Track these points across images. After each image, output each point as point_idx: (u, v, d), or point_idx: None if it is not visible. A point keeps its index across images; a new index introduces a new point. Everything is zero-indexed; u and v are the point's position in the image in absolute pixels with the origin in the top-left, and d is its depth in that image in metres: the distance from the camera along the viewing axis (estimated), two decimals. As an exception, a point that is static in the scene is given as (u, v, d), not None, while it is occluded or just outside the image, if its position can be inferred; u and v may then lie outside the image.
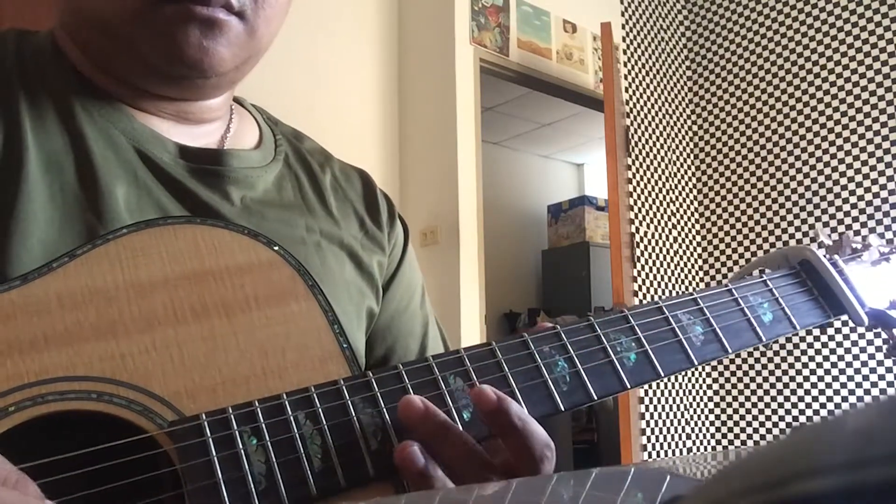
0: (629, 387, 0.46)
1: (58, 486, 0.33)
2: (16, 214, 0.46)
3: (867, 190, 3.22)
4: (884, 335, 0.58)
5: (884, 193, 3.18)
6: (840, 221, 3.27)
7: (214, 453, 0.36)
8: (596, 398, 0.45)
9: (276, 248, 0.44)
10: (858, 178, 3.24)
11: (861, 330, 3.10)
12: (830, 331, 3.20)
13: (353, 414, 0.39)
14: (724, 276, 3.61)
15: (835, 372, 3.22)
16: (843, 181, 3.27)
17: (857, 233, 3.24)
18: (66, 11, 0.57)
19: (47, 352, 0.36)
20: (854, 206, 3.24)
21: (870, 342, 3.15)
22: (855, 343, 3.18)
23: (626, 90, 3.42)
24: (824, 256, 0.58)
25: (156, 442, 0.36)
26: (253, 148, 0.62)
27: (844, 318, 0.57)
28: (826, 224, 3.30)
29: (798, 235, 3.36)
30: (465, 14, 3.24)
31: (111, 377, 0.36)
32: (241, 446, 0.36)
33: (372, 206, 0.68)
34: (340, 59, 3.07)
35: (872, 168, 3.21)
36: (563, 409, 0.44)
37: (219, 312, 0.40)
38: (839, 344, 3.21)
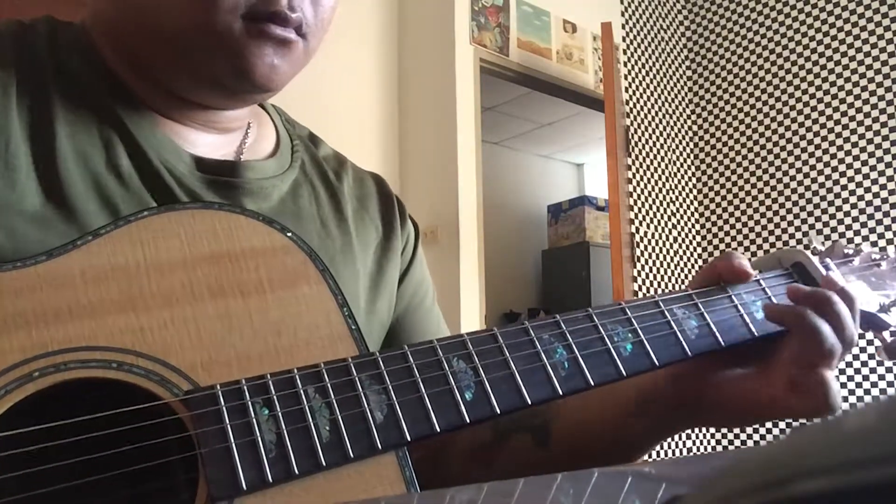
0: (625, 375, 0.48)
1: (73, 448, 0.35)
2: (70, 201, 0.48)
3: (867, 190, 3.22)
4: (876, 340, 0.60)
5: (884, 193, 3.18)
6: (840, 221, 3.27)
7: (228, 421, 0.37)
8: (593, 384, 0.47)
9: (289, 234, 0.46)
10: (858, 178, 3.24)
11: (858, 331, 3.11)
12: (830, 331, 3.19)
13: (361, 389, 0.41)
14: (724, 276, 3.60)
15: (835, 372, 3.22)
16: (843, 181, 3.28)
17: (856, 233, 3.24)
18: (115, 15, 0.56)
19: (71, 323, 0.38)
20: (854, 206, 3.24)
21: (870, 342, 3.15)
22: (855, 343, 3.18)
23: (626, 90, 3.42)
24: (817, 260, 0.60)
25: (171, 410, 0.38)
26: (269, 155, 0.62)
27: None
28: (826, 224, 3.31)
29: (798, 235, 3.36)
30: (465, 14, 3.24)
31: (131, 348, 0.38)
32: (253, 415, 0.38)
33: (388, 212, 0.68)
34: (340, 60, 3.07)
35: (872, 168, 3.21)
36: (561, 393, 0.45)
37: (234, 292, 0.42)
38: (839, 344, 3.21)
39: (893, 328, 0.60)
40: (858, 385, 3.17)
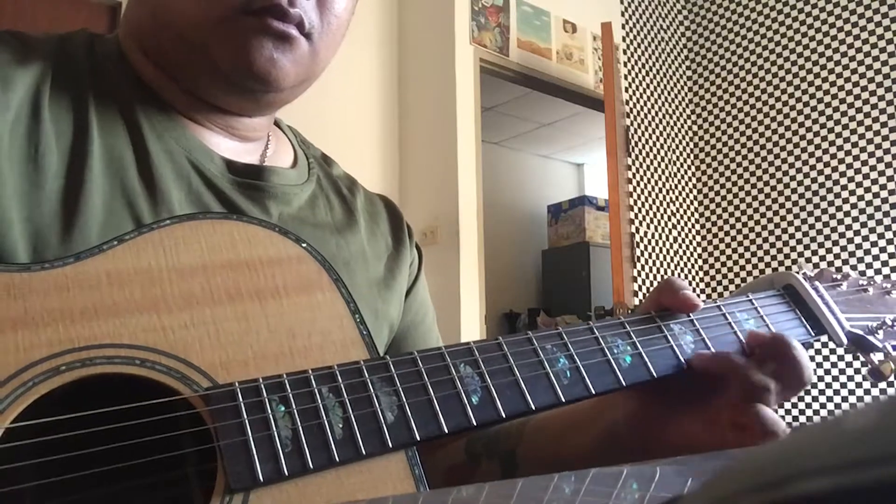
0: (625, 384, 0.50)
1: (95, 439, 0.36)
2: (81, 206, 0.49)
3: (867, 190, 3.22)
4: (861, 358, 0.63)
5: (884, 193, 3.18)
6: (840, 221, 3.27)
7: (246, 416, 0.39)
8: (594, 392, 0.49)
9: (304, 244, 0.48)
10: (858, 178, 3.25)
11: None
12: (830, 331, 3.20)
13: (372, 391, 0.43)
14: (724, 276, 3.61)
15: (835, 372, 3.22)
16: (843, 181, 3.28)
17: (856, 232, 3.24)
18: (141, 15, 0.59)
19: (96, 321, 0.40)
20: (854, 206, 3.24)
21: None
22: (855, 343, 3.18)
23: (626, 90, 3.42)
24: (807, 284, 0.63)
25: (191, 405, 0.40)
26: (290, 167, 0.66)
27: (825, 338, 0.63)
28: (826, 224, 3.31)
29: (798, 235, 3.36)
30: (465, 14, 3.24)
31: (154, 347, 0.40)
32: (269, 411, 0.40)
33: (397, 230, 0.72)
34: (340, 60, 3.06)
35: (872, 168, 3.22)
36: (563, 400, 0.47)
37: (251, 297, 0.44)
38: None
39: (880, 349, 0.64)
40: (858, 385, 3.17)
